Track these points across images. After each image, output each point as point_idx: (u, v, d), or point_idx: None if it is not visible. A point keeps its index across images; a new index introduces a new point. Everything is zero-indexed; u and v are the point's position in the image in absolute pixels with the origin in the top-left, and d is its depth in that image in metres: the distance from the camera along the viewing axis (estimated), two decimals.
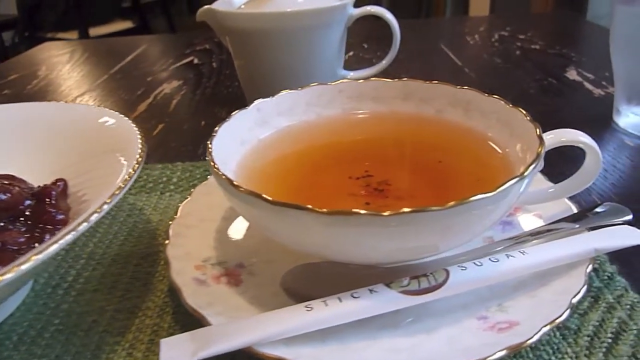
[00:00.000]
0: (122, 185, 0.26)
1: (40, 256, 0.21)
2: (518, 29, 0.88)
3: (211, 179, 0.35)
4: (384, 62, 0.54)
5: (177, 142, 0.51)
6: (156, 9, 3.91)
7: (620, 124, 0.49)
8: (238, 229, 0.32)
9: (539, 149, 0.25)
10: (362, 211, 0.20)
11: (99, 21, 2.93)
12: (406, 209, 0.20)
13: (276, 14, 0.49)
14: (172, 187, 0.41)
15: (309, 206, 0.20)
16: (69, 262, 0.33)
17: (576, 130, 0.28)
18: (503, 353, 0.21)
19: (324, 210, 0.20)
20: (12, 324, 0.28)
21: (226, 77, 0.70)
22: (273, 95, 0.35)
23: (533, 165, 0.23)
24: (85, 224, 0.24)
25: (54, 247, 0.22)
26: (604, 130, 0.49)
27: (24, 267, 0.21)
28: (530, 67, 0.68)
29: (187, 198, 0.33)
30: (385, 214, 0.20)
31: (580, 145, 0.28)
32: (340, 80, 0.37)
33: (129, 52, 0.87)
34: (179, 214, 0.32)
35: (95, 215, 0.24)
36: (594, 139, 0.28)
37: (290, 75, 0.52)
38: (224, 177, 0.24)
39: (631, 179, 0.40)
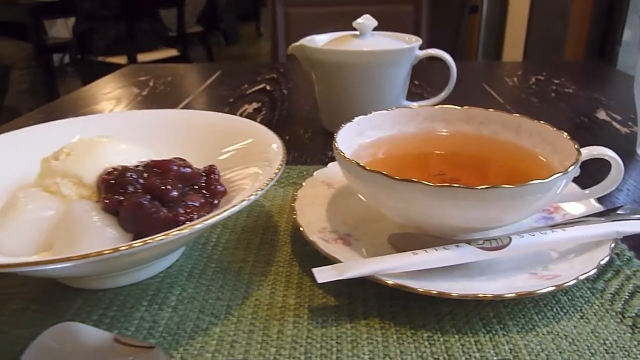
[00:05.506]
0: (273, 177, 0.36)
1: (223, 214, 0.31)
2: (552, 74, 0.98)
3: (316, 174, 0.46)
4: (443, 95, 0.64)
5: None
6: (194, 39, 4.15)
7: None
8: (340, 210, 0.42)
9: (578, 156, 0.34)
10: (459, 185, 0.30)
11: (146, 48, 3.12)
12: (486, 185, 0.30)
13: (357, 52, 0.61)
14: (274, 183, 0.51)
15: (423, 181, 0.31)
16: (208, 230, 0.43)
17: (604, 147, 0.38)
18: (552, 288, 0.30)
19: (431, 183, 0.30)
20: (179, 266, 0.38)
21: (297, 102, 0.82)
22: (351, 118, 0.44)
23: (573, 166, 0.33)
24: (245, 201, 0.32)
25: (230, 211, 0.31)
26: (629, 160, 0.58)
27: (214, 219, 0.30)
28: (564, 107, 0.78)
29: (300, 187, 0.44)
30: (480, 187, 0.30)
31: (607, 158, 0.37)
32: (418, 105, 0.47)
33: (207, 77, 1.00)
34: (298, 197, 0.42)
35: (253, 196, 0.33)
36: None
37: (363, 102, 0.63)
38: (353, 161, 0.34)
39: None
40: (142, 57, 3.02)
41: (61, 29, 4.10)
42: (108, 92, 0.92)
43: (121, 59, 2.95)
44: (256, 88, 0.92)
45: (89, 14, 3.11)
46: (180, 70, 1.10)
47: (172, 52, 3.25)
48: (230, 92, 0.89)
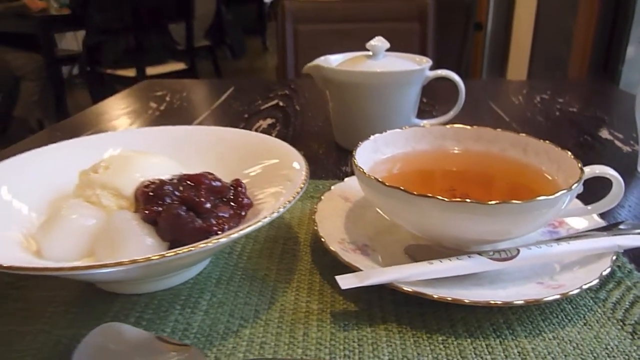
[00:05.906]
0: (298, 191, 0.38)
1: (257, 224, 0.34)
2: (557, 93, 1.01)
3: (334, 188, 0.48)
4: (451, 113, 0.67)
5: None
6: (202, 52, 4.21)
7: None
8: (357, 223, 0.44)
9: (581, 175, 0.37)
10: (472, 200, 0.33)
11: (154, 61, 3.16)
12: (498, 201, 0.33)
13: (371, 72, 0.64)
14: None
15: (438, 196, 0.33)
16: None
17: (606, 166, 0.40)
18: (557, 297, 0.33)
19: (445, 199, 0.33)
20: (207, 273, 0.41)
21: (310, 118, 0.85)
22: (367, 136, 0.46)
23: (576, 184, 0.36)
24: (275, 213, 0.35)
25: (262, 222, 0.34)
26: (630, 178, 0.61)
27: (249, 229, 0.33)
28: (568, 126, 0.81)
29: (319, 200, 0.46)
30: (491, 203, 0.32)
31: (608, 176, 0.40)
32: (429, 124, 0.50)
33: (220, 93, 1.04)
34: (317, 210, 0.45)
35: (282, 209, 0.36)
36: None
37: (375, 121, 0.66)
38: (372, 177, 0.37)
39: None
40: (150, 71, 3.06)
41: (70, 41, 4.17)
42: (125, 107, 0.96)
43: (130, 72, 2.99)
44: (269, 104, 0.95)
45: (100, 27, 3.15)
46: (194, 85, 1.14)
47: (180, 66, 3.30)
48: (244, 107, 0.93)
